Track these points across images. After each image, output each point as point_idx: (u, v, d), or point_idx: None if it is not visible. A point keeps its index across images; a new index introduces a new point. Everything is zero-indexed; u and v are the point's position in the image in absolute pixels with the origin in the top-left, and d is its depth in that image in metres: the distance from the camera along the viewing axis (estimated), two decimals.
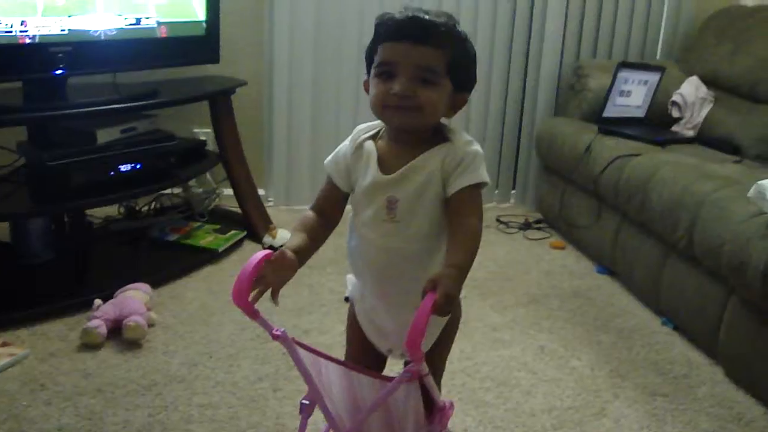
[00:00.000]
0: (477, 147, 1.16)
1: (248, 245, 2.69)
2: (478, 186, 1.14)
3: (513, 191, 3.42)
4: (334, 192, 1.24)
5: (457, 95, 1.17)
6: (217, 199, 2.99)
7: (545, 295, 2.44)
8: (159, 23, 2.43)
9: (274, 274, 1.09)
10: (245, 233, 2.72)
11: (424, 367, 1.05)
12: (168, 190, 2.93)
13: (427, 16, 1.11)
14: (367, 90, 1.18)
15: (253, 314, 1.08)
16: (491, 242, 2.90)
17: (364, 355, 1.31)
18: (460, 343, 2.02)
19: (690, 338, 2.13)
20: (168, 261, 2.44)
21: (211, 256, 2.51)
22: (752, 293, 1.78)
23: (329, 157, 1.25)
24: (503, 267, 2.65)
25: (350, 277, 1.32)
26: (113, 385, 1.76)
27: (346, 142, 1.23)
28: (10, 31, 2.07)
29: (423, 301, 0.99)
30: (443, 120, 1.20)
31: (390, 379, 1.10)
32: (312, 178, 3.11)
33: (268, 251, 1.10)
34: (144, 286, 2.13)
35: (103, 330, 1.93)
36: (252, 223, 2.76)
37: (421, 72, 1.10)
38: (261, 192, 3.01)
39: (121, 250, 2.52)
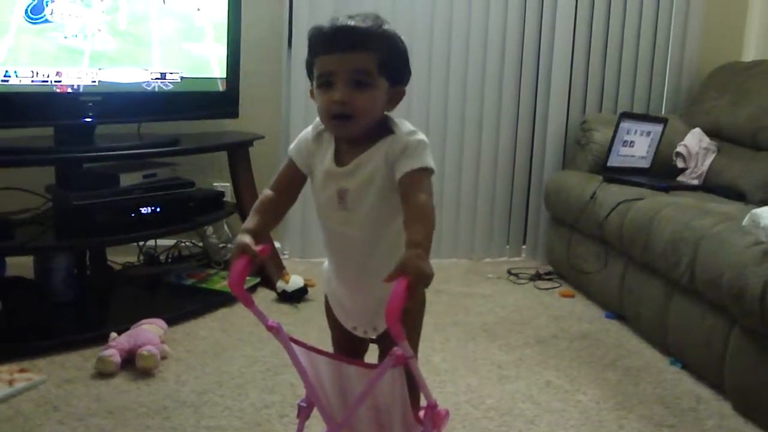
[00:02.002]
0: (420, 136, 1.23)
1: (261, 291, 2.76)
2: (423, 170, 1.21)
3: (524, 246, 3.47)
4: (293, 172, 1.33)
5: (395, 89, 1.26)
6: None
7: (553, 336, 2.46)
8: (183, 78, 2.60)
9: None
10: (259, 280, 2.80)
11: (408, 349, 1.10)
12: (186, 241, 3.04)
13: (352, 23, 1.20)
14: (313, 97, 1.28)
15: (248, 302, 1.15)
16: (501, 292, 2.93)
17: (345, 339, 1.40)
18: (465, 378, 2.07)
19: (698, 376, 2.13)
20: (183, 302, 2.52)
21: (225, 299, 2.58)
22: (751, 320, 1.80)
23: (293, 143, 1.35)
24: (512, 313, 2.68)
25: (325, 264, 1.41)
26: (124, 408, 1.81)
27: (309, 128, 1.33)
28: (47, 81, 2.24)
29: (395, 284, 1.04)
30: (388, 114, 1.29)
31: (376, 366, 1.15)
32: None
33: (247, 257, 1.18)
34: (159, 321, 2.21)
35: (118, 359, 1.99)
36: (266, 272, 2.83)
37: (356, 76, 1.20)
38: (277, 244, 3.10)
39: (139, 292, 2.61)
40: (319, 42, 1.22)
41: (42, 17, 2.25)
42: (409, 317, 1.32)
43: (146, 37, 2.52)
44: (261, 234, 1.25)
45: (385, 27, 1.24)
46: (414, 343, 1.36)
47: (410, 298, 1.04)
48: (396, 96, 1.27)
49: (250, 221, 1.27)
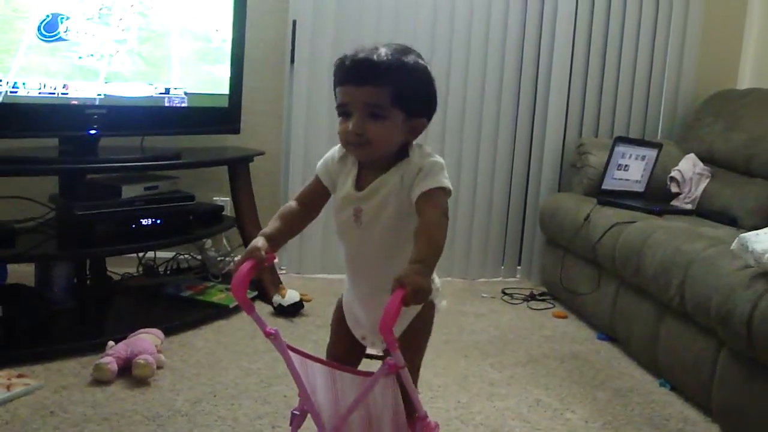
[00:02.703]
0: (436, 158, 1.30)
1: (258, 305, 2.79)
2: (439, 189, 1.26)
3: (519, 267, 3.51)
4: (319, 188, 1.40)
5: (414, 121, 1.30)
6: (231, 263, 3.11)
7: (545, 356, 2.48)
8: (186, 94, 2.65)
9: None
10: (256, 293, 2.83)
11: (400, 359, 1.13)
12: (185, 253, 3.07)
13: (371, 56, 1.25)
14: None
15: (249, 308, 1.18)
16: (495, 311, 2.96)
17: (340, 344, 1.47)
18: (456, 395, 2.10)
19: (686, 397, 2.16)
20: (181, 313, 2.55)
21: (222, 312, 2.61)
22: (739, 343, 1.83)
23: (321, 161, 1.41)
24: (504, 332, 2.71)
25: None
26: (119, 415, 1.84)
27: (336, 148, 1.39)
28: (54, 93, 2.29)
29: (392, 295, 1.09)
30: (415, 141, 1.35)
31: (370, 374, 1.19)
32: (324, 248, 3.24)
33: (253, 261, 1.23)
34: (156, 331, 2.24)
35: (114, 367, 2.02)
36: (263, 286, 2.86)
37: (370, 108, 1.26)
38: (274, 260, 3.13)
39: (138, 303, 2.64)
40: (340, 73, 1.28)
41: (56, 35, 2.28)
42: (423, 323, 1.37)
43: (163, 55, 2.57)
44: (277, 241, 1.31)
45: (407, 59, 1.28)
46: (416, 364, 1.43)
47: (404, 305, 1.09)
48: (417, 127, 1.31)
49: (271, 226, 1.34)
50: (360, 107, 1.26)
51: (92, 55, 2.38)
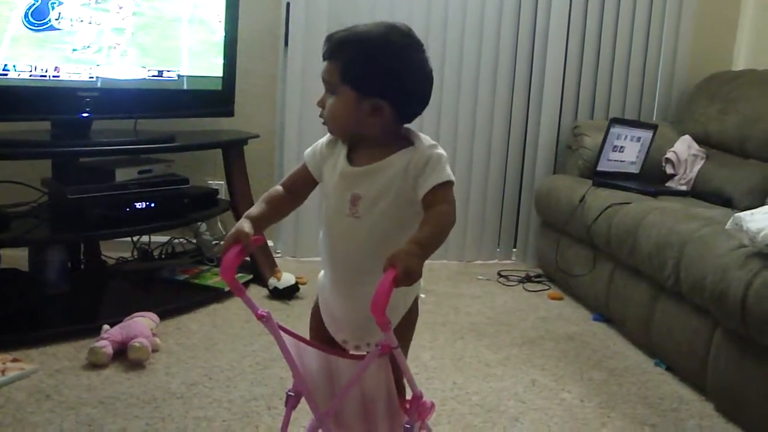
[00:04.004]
0: (440, 150, 1.26)
1: (253, 288, 2.79)
2: (446, 184, 1.23)
3: (514, 249, 3.51)
4: (305, 174, 1.36)
5: (370, 100, 1.22)
6: None
7: (540, 337, 2.49)
8: (179, 76, 2.63)
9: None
10: (251, 277, 2.82)
11: (393, 339, 1.13)
12: (180, 237, 3.07)
13: (336, 32, 1.24)
14: None
15: (239, 291, 1.17)
16: (490, 293, 2.97)
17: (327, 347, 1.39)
18: (452, 376, 2.10)
19: (681, 377, 2.17)
20: (176, 297, 2.54)
21: (217, 295, 2.60)
22: (733, 321, 1.84)
23: (309, 148, 1.37)
24: (500, 314, 2.71)
25: (321, 274, 1.41)
26: (114, 398, 1.83)
27: (326, 136, 1.36)
28: (45, 75, 2.26)
29: (384, 275, 1.06)
30: (409, 126, 1.30)
31: (363, 357, 1.18)
32: (319, 231, 3.22)
33: (239, 245, 1.20)
34: (152, 315, 2.23)
35: (109, 350, 2.02)
36: (259, 269, 2.86)
37: (326, 85, 1.25)
38: (270, 243, 3.13)
39: (133, 287, 2.64)
40: None
41: (46, 23, 2.14)
42: (401, 331, 1.35)
43: (165, 44, 2.53)
44: (261, 223, 1.27)
45: (365, 35, 1.22)
46: (405, 350, 1.37)
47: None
48: (378, 108, 1.23)
49: (255, 209, 1.30)
50: (323, 83, 1.26)
51: (88, 47, 2.30)
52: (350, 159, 1.29)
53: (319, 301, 1.41)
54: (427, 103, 1.29)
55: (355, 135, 1.28)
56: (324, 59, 1.25)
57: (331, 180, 1.31)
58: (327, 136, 1.35)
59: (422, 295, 1.32)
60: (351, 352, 1.37)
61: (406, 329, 1.34)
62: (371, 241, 1.26)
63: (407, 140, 1.28)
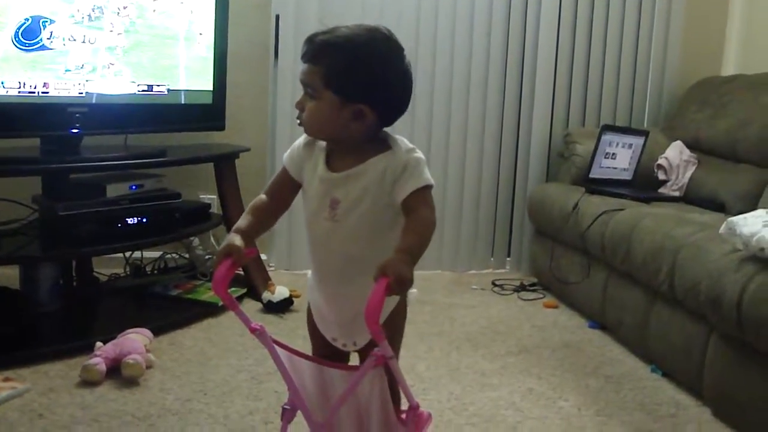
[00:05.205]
0: (418, 153, 1.25)
1: (248, 302, 2.77)
2: (425, 188, 1.23)
3: (508, 258, 3.50)
4: (286, 179, 1.35)
5: (352, 106, 1.21)
6: None
7: (536, 345, 2.48)
8: (169, 90, 2.62)
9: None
10: (245, 291, 2.81)
11: (388, 349, 1.12)
12: (173, 252, 3.05)
13: (317, 35, 1.23)
14: None
15: (232, 305, 1.16)
16: (485, 302, 2.96)
17: (325, 348, 1.40)
18: (448, 387, 2.09)
19: (678, 382, 2.16)
20: (169, 312, 2.52)
21: (211, 310, 2.58)
22: (728, 326, 1.84)
23: (287, 151, 1.37)
24: (495, 323, 2.70)
25: (309, 274, 1.42)
26: (108, 416, 1.81)
27: (302, 137, 1.35)
28: (33, 92, 2.25)
29: (376, 284, 1.06)
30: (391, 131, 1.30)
31: (357, 368, 1.17)
32: None
33: (232, 259, 1.19)
34: (145, 331, 2.21)
35: (103, 367, 2.00)
36: (252, 283, 2.84)
37: (305, 87, 1.24)
38: (263, 257, 3.12)
39: (126, 303, 2.62)
40: None
41: (37, 43, 2.11)
42: (391, 321, 1.35)
43: (156, 61, 2.53)
44: (251, 236, 1.26)
45: (349, 39, 1.21)
46: (396, 348, 1.38)
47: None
48: (361, 114, 1.22)
49: (243, 221, 1.29)
50: (302, 85, 1.25)
51: (81, 67, 2.28)
52: (328, 163, 1.29)
53: (309, 300, 1.43)
54: (406, 107, 1.29)
55: (335, 139, 1.28)
56: (304, 61, 1.24)
57: (310, 184, 1.31)
58: (303, 137, 1.34)
59: (413, 291, 1.31)
60: (342, 349, 1.38)
61: (393, 330, 1.32)
62: (351, 244, 1.27)
63: (385, 144, 1.27)
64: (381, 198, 1.24)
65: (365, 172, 1.25)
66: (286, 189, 1.35)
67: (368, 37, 1.23)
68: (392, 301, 1.32)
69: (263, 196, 1.35)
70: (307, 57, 1.23)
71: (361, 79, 1.21)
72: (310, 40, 1.23)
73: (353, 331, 1.34)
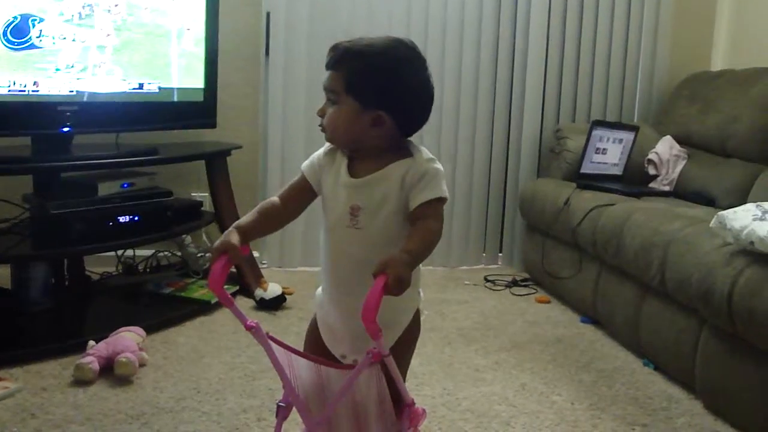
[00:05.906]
0: (438, 165, 1.27)
1: (240, 299, 2.77)
2: (439, 200, 1.24)
3: (500, 253, 3.51)
4: (303, 186, 1.35)
5: (371, 113, 1.24)
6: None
7: (529, 341, 2.49)
8: (160, 88, 2.61)
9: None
10: (237, 288, 2.81)
11: (384, 347, 1.12)
12: (165, 251, 3.04)
13: (342, 43, 1.25)
14: None
15: (228, 302, 1.16)
16: (477, 298, 2.97)
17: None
18: (442, 382, 2.10)
19: (670, 376, 2.18)
20: (162, 310, 2.52)
21: (204, 308, 2.58)
22: (720, 320, 1.85)
23: (307, 159, 1.37)
24: (488, 318, 2.71)
25: (318, 291, 1.41)
26: (102, 414, 1.81)
27: (323, 147, 1.36)
28: (24, 90, 2.24)
29: (375, 281, 1.07)
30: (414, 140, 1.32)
31: (353, 366, 1.18)
32: (305, 241, 3.22)
33: (227, 256, 1.20)
34: (138, 329, 2.21)
35: (96, 366, 1.99)
36: (245, 280, 2.84)
37: (328, 94, 1.27)
38: (255, 254, 3.11)
39: (118, 301, 2.62)
40: None
41: (26, 41, 2.10)
42: (411, 336, 1.36)
43: (148, 58, 2.51)
44: (250, 234, 1.26)
45: (371, 48, 1.24)
46: (404, 368, 1.38)
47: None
48: (379, 120, 1.24)
49: (247, 218, 1.29)
50: (325, 92, 1.27)
51: (72, 66, 2.27)
52: (350, 170, 1.29)
53: (317, 317, 1.41)
54: (427, 117, 1.31)
55: (355, 145, 1.29)
56: (327, 68, 1.26)
57: (331, 191, 1.31)
58: (325, 146, 1.35)
59: (425, 312, 1.33)
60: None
61: (406, 347, 1.35)
62: (373, 251, 1.24)
63: (406, 151, 1.28)
64: (400, 204, 1.25)
65: (385, 178, 1.26)
66: (301, 196, 1.35)
67: (389, 46, 1.26)
68: (405, 316, 1.33)
69: (276, 199, 1.35)
70: (330, 64, 1.26)
71: (378, 85, 1.23)
72: (334, 48, 1.25)
73: (367, 344, 1.29)
